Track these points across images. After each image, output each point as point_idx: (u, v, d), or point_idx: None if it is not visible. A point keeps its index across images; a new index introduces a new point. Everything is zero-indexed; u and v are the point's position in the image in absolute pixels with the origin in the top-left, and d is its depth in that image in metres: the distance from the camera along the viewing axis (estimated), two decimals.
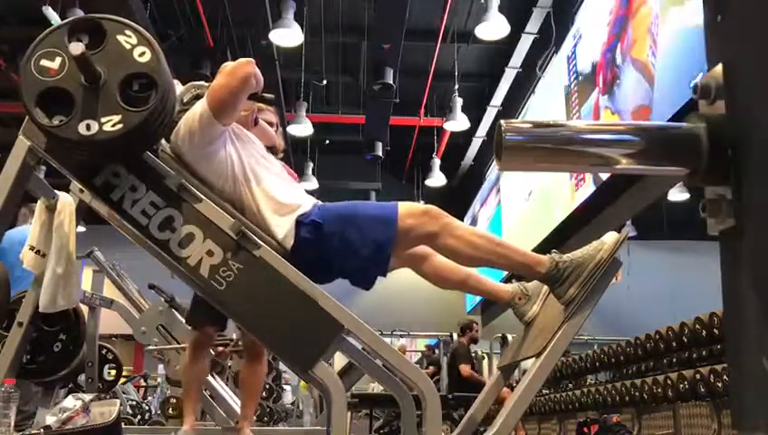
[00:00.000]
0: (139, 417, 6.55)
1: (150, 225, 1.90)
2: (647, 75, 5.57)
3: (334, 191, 10.20)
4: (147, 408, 7.14)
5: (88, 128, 1.74)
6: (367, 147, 10.87)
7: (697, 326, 4.35)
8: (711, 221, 0.74)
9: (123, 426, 2.92)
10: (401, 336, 11.25)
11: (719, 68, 0.74)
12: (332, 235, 1.96)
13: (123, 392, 6.75)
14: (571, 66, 7.46)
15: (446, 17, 8.47)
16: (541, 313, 2.09)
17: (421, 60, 9.44)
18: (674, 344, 4.70)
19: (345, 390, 1.94)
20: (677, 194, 10.17)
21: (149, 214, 1.91)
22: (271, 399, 6.65)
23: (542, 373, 1.87)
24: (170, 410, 5.11)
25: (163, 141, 2.03)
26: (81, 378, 4.36)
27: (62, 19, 7.18)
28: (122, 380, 6.43)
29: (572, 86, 7.37)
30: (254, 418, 4.29)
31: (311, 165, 11.25)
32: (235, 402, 4.33)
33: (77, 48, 1.71)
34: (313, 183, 10.98)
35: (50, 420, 2.30)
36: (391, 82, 8.67)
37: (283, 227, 1.96)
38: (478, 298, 12.32)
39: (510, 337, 6.46)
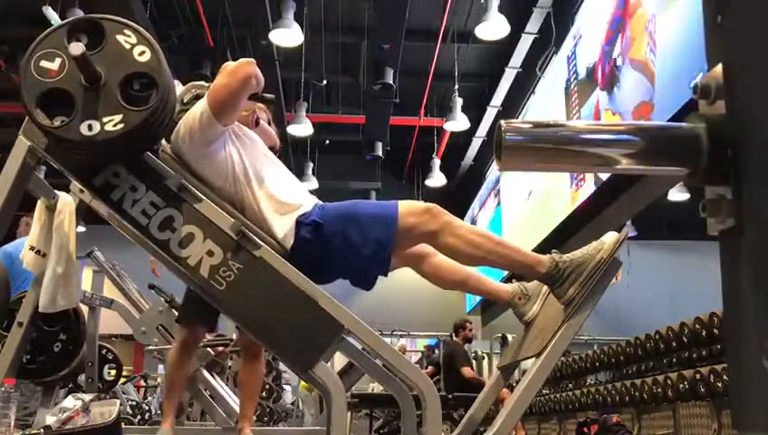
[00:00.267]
0: (139, 417, 6.55)
1: (150, 225, 1.90)
2: (647, 74, 5.57)
3: (334, 191, 10.19)
4: (147, 408, 7.13)
5: (90, 128, 1.74)
6: (367, 147, 10.87)
7: (697, 326, 4.35)
8: (711, 221, 0.74)
9: (123, 426, 2.92)
10: (401, 336, 11.25)
11: (719, 68, 0.74)
12: (333, 235, 1.96)
13: (123, 392, 6.75)
14: (570, 66, 7.46)
15: (446, 17, 8.47)
16: (541, 313, 2.09)
17: (421, 60, 9.44)
18: (674, 344, 4.71)
19: (345, 390, 1.94)
20: (677, 194, 10.17)
21: (149, 214, 1.91)
22: (271, 399, 6.65)
23: (542, 373, 1.87)
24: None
25: (163, 141, 2.03)
26: (81, 378, 4.36)
27: (61, 19, 7.19)
28: (122, 380, 6.43)
29: (572, 86, 7.37)
30: (254, 418, 4.29)
31: (311, 165, 11.25)
32: (235, 402, 4.33)
33: (77, 48, 1.71)
34: (313, 183, 10.98)
35: (50, 420, 2.30)
36: (391, 82, 8.67)
37: (283, 227, 1.96)
38: (478, 298, 12.33)
39: (510, 337, 6.46)
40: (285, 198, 2.01)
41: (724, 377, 3.75)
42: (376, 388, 8.40)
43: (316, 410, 5.69)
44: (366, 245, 1.95)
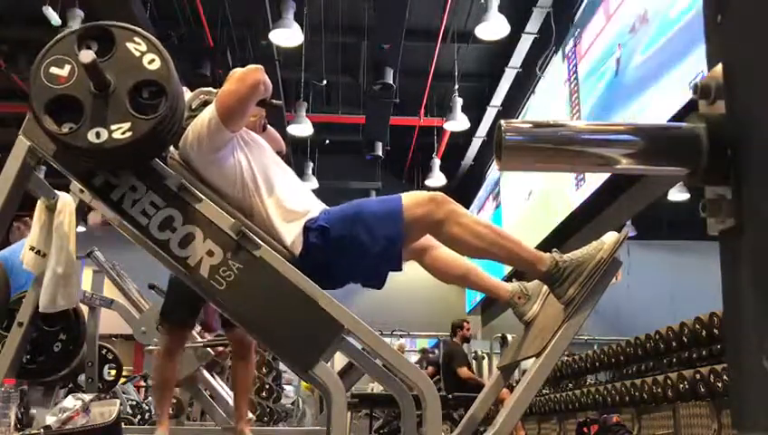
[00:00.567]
0: (138, 417, 6.54)
1: (150, 225, 1.90)
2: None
3: (334, 191, 10.19)
4: (147, 408, 7.13)
5: (98, 135, 1.74)
6: (367, 147, 10.86)
7: (697, 326, 4.36)
8: (711, 221, 0.74)
9: (123, 426, 2.92)
10: (401, 336, 11.26)
11: (719, 68, 0.74)
12: (341, 237, 1.96)
13: (123, 392, 6.75)
14: (571, 66, 7.46)
15: (446, 17, 8.46)
16: (541, 313, 2.09)
17: (421, 60, 9.43)
18: (674, 344, 4.71)
19: (345, 390, 1.94)
20: (677, 194, 10.16)
21: (149, 214, 1.91)
22: (271, 399, 6.65)
23: (542, 373, 1.87)
24: (170, 410, 5.11)
25: (171, 148, 2.03)
26: (81, 378, 4.36)
27: (61, 19, 7.19)
28: (122, 380, 6.43)
29: (572, 86, 7.37)
30: (251, 415, 4.29)
31: (311, 165, 11.24)
32: None
33: (87, 56, 1.71)
34: (313, 183, 10.98)
35: (50, 420, 2.30)
36: (391, 82, 8.67)
37: (291, 234, 1.96)
38: (478, 298, 12.34)
39: (510, 337, 6.46)
40: (293, 206, 2.01)
41: (724, 377, 3.75)
42: (376, 388, 8.39)
43: (317, 409, 5.69)
44: (375, 243, 1.94)
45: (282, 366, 6.80)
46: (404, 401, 2.21)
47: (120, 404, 2.71)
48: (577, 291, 1.87)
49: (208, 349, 4.41)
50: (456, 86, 9.25)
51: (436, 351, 9.84)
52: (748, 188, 0.69)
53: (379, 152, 10.84)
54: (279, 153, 2.29)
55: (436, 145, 11.19)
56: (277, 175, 2.09)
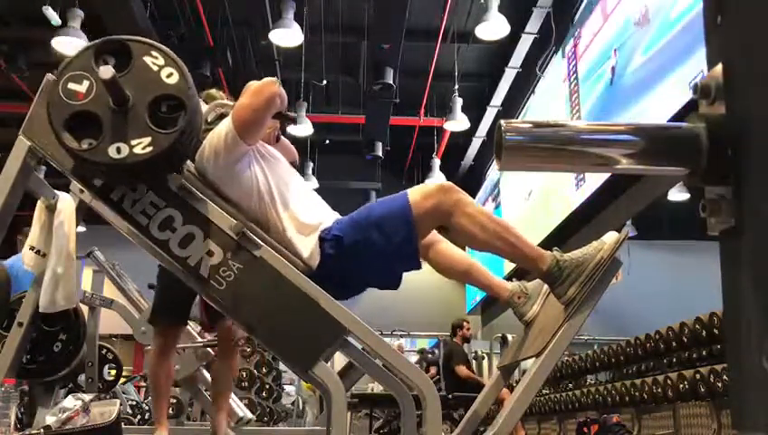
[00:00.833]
0: (138, 417, 6.55)
1: (150, 225, 1.90)
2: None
3: (334, 191, 10.19)
4: (147, 408, 7.13)
5: (118, 151, 1.74)
6: (367, 147, 10.86)
7: (697, 326, 4.36)
8: (711, 221, 0.74)
9: (123, 426, 2.92)
10: (401, 336, 11.25)
11: (719, 68, 0.74)
12: (355, 243, 1.96)
13: (123, 392, 6.75)
14: (570, 66, 7.47)
15: (446, 17, 8.46)
16: (541, 313, 2.09)
17: (421, 60, 9.43)
18: (674, 344, 4.71)
19: (345, 390, 1.94)
20: (677, 194, 10.17)
21: (149, 214, 1.91)
22: (271, 399, 6.65)
23: (542, 373, 1.87)
24: (170, 410, 5.11)
25: (187, 161, 2.03)
26: (81, 378, 4.36)
27: (61, 19, 7.19)
28: (122, 380, 6.43)
29: (572, 86, 7.37)
30: (250, 414, 4.28)
31: (311, 165, 11.24)
32: (235, 402, 4.33)
33: (107, 72, 1.71)
34: (313, 183, 10.98)
35: (50, 420, 2.30)
36: (391, 82, 8.67)
37: (307, 247, 1.97)
38: (478, 298, 12.34)
39: (510, 337, 6.47)
40: (307, 220, 2.02)
41: (724, 377, 3.75)
42: (376, 388, 8.39)
43: (317, 409, 5.69)
44: (390, 243, 1.95)
45: (282, 366, 6.81)
46: (404, 401, 2.21)
47: (120, 404, 2.71)
48: (577, 291, 1.87)
49: (208, 349, 4.41)
50: (456, 86, 9.25)
51: (436, 351, 9.83)
52: (748, 188, 0.69)
53: (379, 152, 10.84)
54: (292, 163, 2.30)
55: (436, 145, 11.19)
56: (292, 188, 2.09)
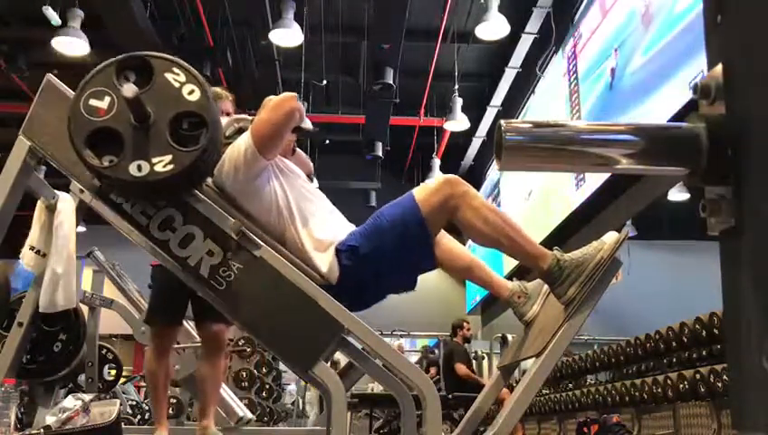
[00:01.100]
0: (138, 417, 6.55)
1: (150, 225, 1.90)
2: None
3: (334, 191, 10.17)
4: (147, 408, 7.13)
5: (139, 169, 1.73)
6: (367, 147, 10.86)
7: (697, 326, 4.36)
8: (711, 221, 0.74)
9: (123, 426, 2.92)
10: (401, 336, 11.25)
11: (719, 68, 0.74)
12: (371, 251, 1.97)
13: (123, 392, 6.75)
14: (570, 66, 7.47)
15: (446, 17, 8.46)
16: (541, 313, 2.09)
17: (421, 60, 9.43)
18: (674, 344, 4.71)
19: (345, 390, 1.94)
20: (677, 194, 10.16)
21: (149, 214, 1.91)
22: (271, 399, 6.66)
23: (542, 373, 1.87)
24: (170, 410, 5.11)
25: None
26: (81, 378, 4.36)
27: (61, 19, 7.19)
28: (122, 380, 6.43)
29: (572, 86, 7.37)
30: (250, 414, 4.26)
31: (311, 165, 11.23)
32: (235, 402, 4.33)
33: (130, 90, 1.70)
34: (314, 183, 10.97)
35: (50, 420, 2.30)
36: (391, 82, 8.67)
37: (325, 262, 1.98)
38: (478, 298, 12.34)
39: (510, 337, 6.47)
40: (323, 236, 2.02)
41: (724, 377, 3.75)
42: (376, 388, 8.39)
43: (318, 409, 5.69)
44: (405, 246, 1.96)
45: (282, 366, 6.81)
46: (404, 401, 2.21)
47: (120, 404, 2.71)
48: (577, 291, 1.87)
49: None
50: (456, 86, 9.25)
51: (437, 351, 9.84)
52: (748, 188, 0.69)
53: (379, 152, 10.84)
54: (308, 175, 2.31)
55: (436, 145, 11.19)
56: (310, 204, 2.10)
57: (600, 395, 5.49)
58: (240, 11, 8.36)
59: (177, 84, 1.79)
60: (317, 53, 9.26)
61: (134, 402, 7.08)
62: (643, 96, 5.62)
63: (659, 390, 4.46)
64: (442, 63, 9.39)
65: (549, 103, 8.20)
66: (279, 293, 1.89)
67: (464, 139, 11.20)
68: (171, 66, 1.81)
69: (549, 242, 7.65)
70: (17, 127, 1.96)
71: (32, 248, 2.28)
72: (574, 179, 7.22)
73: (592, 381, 7.03)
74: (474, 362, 9.28)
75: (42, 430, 2.27)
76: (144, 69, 1.80)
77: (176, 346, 4.39)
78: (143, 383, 8.41)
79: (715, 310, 4.20)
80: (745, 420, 0.68)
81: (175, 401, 5.08)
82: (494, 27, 7.43)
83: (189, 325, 3.95)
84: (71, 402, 2.35)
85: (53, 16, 7.12)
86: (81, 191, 2.23)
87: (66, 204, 2.28)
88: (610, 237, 1.93)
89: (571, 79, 7.42)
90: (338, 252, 1.98)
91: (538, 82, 8.65)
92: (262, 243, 1.91)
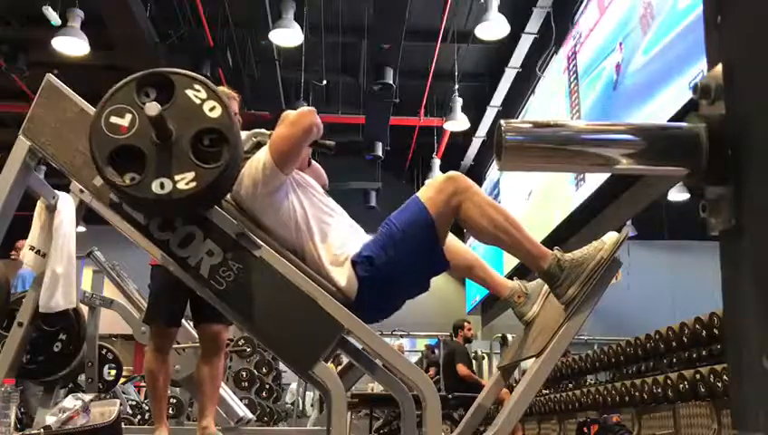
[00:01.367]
0: (139, 417, 6.55)
1: (150, 225, 1.90)
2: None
3: (334, 191, 10.17)
4: (147, 408, 7.13)
5: (162, 186, 1.72)
6: (367, 147, 10.86)
7: (697, 326, 4.36)
8: (711, 221, 0.74)
9: (123, 426, 2.91)
10: (401, 336, 11.25)
11: (719, 68, 0.74)
12: (388, 258, 1.97)
13: (123, 392, 6.75)
14: (571, 66, 7.47)
15: (446, 17, 8.46)
16: (541, 313, 2.09)
17: (421, 60, 9.43)
18: (674, 344, 4.71)
19: (345, 390, 1.94)
20: (677, 194, 10.17)
21: None
22: (271, 399, 6.66)
23: (542, 373, 1.87)
24: (170, 410, 5.11)
25: None
26: (81, 378, 4.36)
27: (61, 19, 7.19)
28: (122, 380, 6.42)
29: (572, 86, 7.37)
30: (250, 414, 4.26)
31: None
32: (235, 402, 4.33)
33: (153, 109, 1.69)
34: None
35: (50, 420, 2.30)
36: (391, 82, 8.67)
37: (343, 275, 1.98)
38: (478, 298, 12.34)
39: (510, 337, 6.46)
40: (341, 251, 2.02)
41: (724, 377, 3.75)
42: (376, 388, 8.39)
43: (319, 409, 5.69)
44: (417, 251, 1.97)
45: (282, 366, 6.81)
46: (404, 401, 2.21)
47: (120, 404, 2.71)
48: (577, 291, 1.87)
49: None
50: (456, 86, 9.25)
51: (436, 351, 9.84)
52: (748, 188, 0.69)
53: (379, 152, 10.84)
54: (323, 187, 2.31)
55: (436, 145, 11.19)
56: (329, 218, 2.09)
57: (600, 395, 5.50)
58: (240, 11, 8.36)
59: (198, 101, 1.78)
60: (317, 53, 9.26)
61: (134, 402, 7.09)
62: (648, 93, 5.61)
63: (659, 390, 4.46)
64: (442, 63, 9.39)
65: (549, 103, 8.20)
66: (279, 293, 1.89)
67: (464, 139, 11.20)
68: (192, 83, 1.79)
69: (549, 242, 7.64)
70: (17, 127, 1.96)
71: (32, 248, 2.29)
72: (574, 179, 7.22)
73: (592, 382, 7.03)
74: (474, 362, 9.28)
75: (42, 430, 2.27)
76: (164, 85, 1.79)
77: (176, 346, 4.39)
78: (143, 383, 8.41)
79: (715, 310, 4.20)
80: (745, 420, 0.68)
81: (175, 401, 5.08)
82: (493, 27, 7.43)
83: (189, 325, 3.95)
84: (71, 402, 2.35)
85: (53, 16, 7.13)
86: (81, 191, 2.23)
87: (66, 204, 2.28)
88: (610, 237, 1.93)
89: (571, 78, 7.41)
90: (354, 264, 1.98)
91: (538, 81, 8.65)
92: (261, 243, 1.91)
